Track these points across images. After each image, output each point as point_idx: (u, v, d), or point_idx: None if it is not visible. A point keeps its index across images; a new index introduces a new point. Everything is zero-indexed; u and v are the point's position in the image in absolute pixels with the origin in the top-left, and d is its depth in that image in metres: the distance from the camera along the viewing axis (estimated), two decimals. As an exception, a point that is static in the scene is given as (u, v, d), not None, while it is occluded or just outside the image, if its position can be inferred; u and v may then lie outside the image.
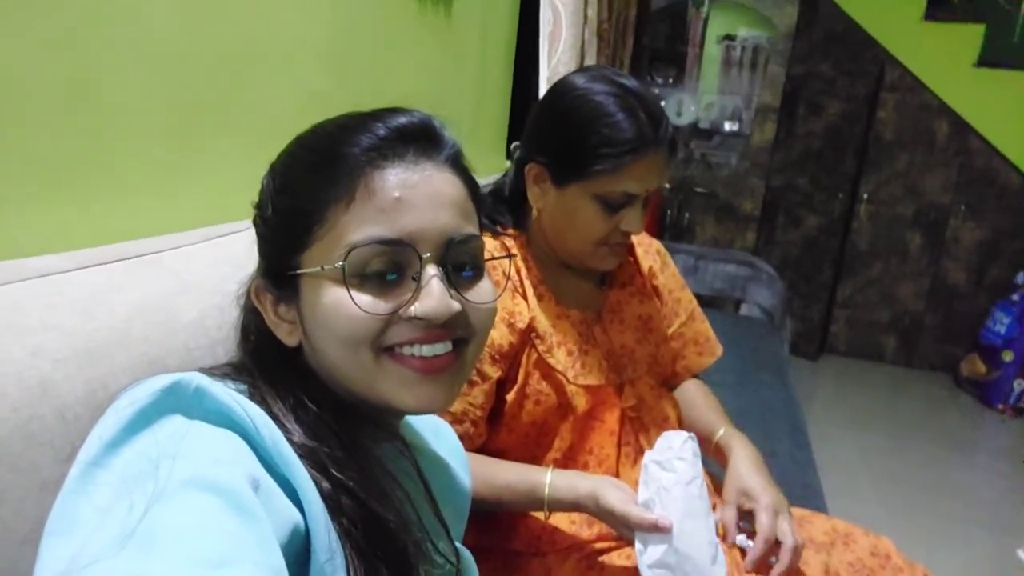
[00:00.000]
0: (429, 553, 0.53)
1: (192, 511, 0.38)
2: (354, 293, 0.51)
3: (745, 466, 0.96)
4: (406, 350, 0.53)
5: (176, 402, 0.45)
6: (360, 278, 0.51)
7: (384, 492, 0.52)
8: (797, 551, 0.85)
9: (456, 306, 0.52)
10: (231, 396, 0.46)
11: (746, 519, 0.93)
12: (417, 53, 1.53)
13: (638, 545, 0.79)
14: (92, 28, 0.75)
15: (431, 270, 0.52)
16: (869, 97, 3.64)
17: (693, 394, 1.15)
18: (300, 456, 0.47)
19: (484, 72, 1.94)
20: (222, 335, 0.71)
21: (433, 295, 0.51)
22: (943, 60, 3.53)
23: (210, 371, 0.52)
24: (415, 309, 0.51)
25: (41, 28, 0.70)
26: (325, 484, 0.48)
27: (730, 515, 0.92)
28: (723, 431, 1.04)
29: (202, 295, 0.72)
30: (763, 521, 0.87)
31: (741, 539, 0.92)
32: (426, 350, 0.53)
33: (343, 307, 0.51)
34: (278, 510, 0.43)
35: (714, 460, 1.03)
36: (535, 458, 0.96)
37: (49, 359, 0.54)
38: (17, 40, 0.67)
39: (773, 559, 0.86)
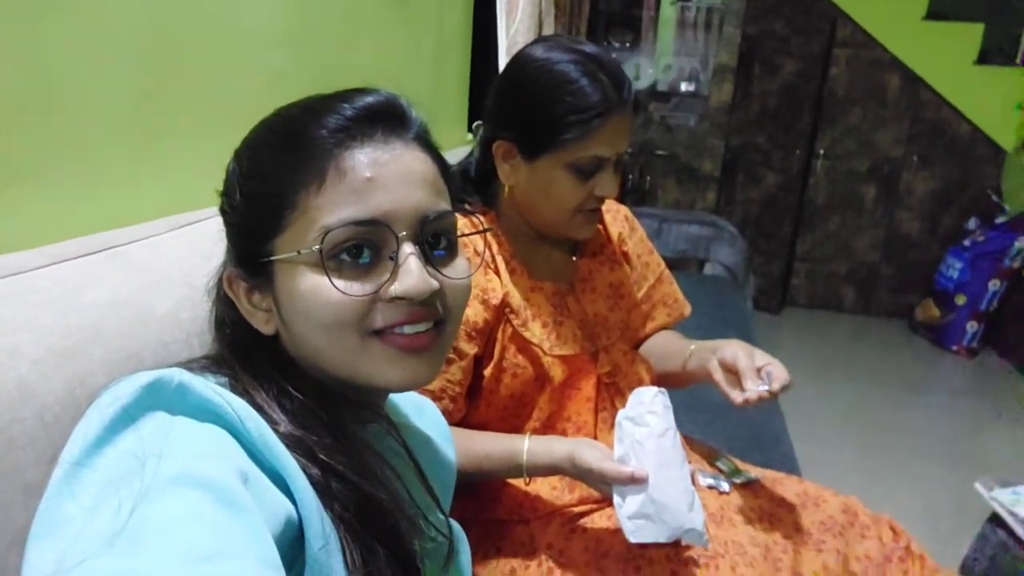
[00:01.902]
0: (423, 528, 0.55)
1: (180, 507, 0.38)
2: (333, 277, 0.51)
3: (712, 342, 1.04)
4: (388, 330, 0.53)
5: (158, 399, 0.44)
6: (337, 260, 0.51)
7: (374, 473, 0.53)
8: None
9: (435, 283, 0.53)
10: (214, 390, 0.46)
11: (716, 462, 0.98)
12: (375, 30, 1.50)
13: (616, 498, 0.81)
14: (52, 18, 0.73)
15: (408, 248, 0.52)
16: (822, 54, 3.68)
17: (661, 338, 1.18)
18: (287, 445, 0.48)
19: (442, 46, 1.91)
20: (196, 327, 0.71)
21: (412, 273, 0.51)
22: (892, 14, 3.58)
23: (188, 365, 0.52)
24: (395, 288, 0.52)
25: (0, 21, 0.67)
26: (314, 471, 0.48)
27: (715, 368, 0.98)
28: (695, 345, 1.08)
29: (173, 287, 0.71)
30: (741, 358, 0.95)
31: (711, 480, 0.99)
32: (408, 328, 0.53)
33: (323, 292, 0.51)
34: (268, 501, 0.43)
35: (697, 379, 1.07)
36: (515, 429, 0.98)
37: (26, 360, 0.53)
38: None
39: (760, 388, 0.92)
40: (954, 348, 3.53)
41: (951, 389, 3.29)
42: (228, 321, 0.58)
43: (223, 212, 0.58)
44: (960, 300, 3.48)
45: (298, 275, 0.52)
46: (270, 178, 0.53)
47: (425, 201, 0.54)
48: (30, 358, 0.54)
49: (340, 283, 0.51)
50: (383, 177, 0.52)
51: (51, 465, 0.41)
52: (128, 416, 0.43)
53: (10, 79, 0.70)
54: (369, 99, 0.54)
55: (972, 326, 3.48)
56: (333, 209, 0.51)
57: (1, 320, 0.54)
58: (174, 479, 0.39)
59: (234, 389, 0.51)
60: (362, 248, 0.52)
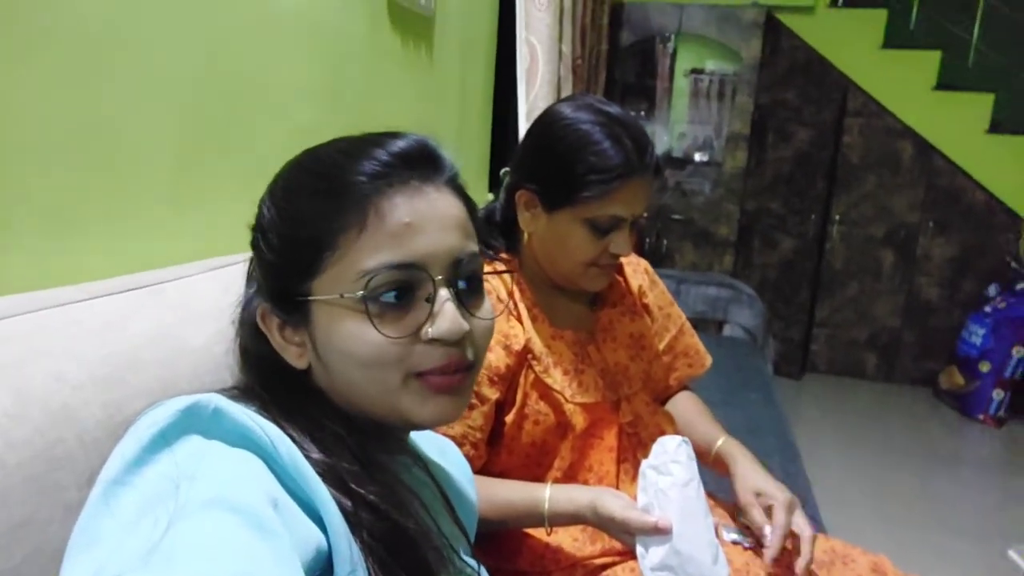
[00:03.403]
0: (451, 560, 0.54)
1: (212, 530, 0.39)
2: (375, 321, 0.52)
3: (752, 468, 0.99)
4: (427, 372, 0.55)
5: (195, 423, 0.45)
6: (377, 303, 0.53)
7: (403, 504, 0.53)
8: (814, 540, 0.89)
9: (467, 325, 0.55)
10: (249, 416, 0.47)
11: (740, 517, 0.96)
12: (401, 89, 1.57)
13: (639, 549, 0.80)
14: (101, 67, 0.78)
15: (443, 292, 0.54)
16: (834, 123, 3.77)
17: (686, 407, 1.17)
18: (319, 473, 0.48)
19: (465, 107, 1.99)
20: (228, 360, 0.72)
21: (447, 316, 0.54)
22: (903, 85, 3.67)
23: (220, 393, 0.53)
24: (433, 331, 0.54)
25: (52, 66, 0.72)
26: (345, 501, 0.49)
27: (757, 514, 0.93)
28: (722, 440, 1.06)
29: (207, 323, 0.73)
30: (780, 517, 0.89)
31: (735, 536, 0.95)
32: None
33: (365, 334, 0.53)
34: (297, 527, 0.44)
35: (712, 470, 1.05)
36: (536, 478, 0.97)
37: (69, 385, 0.55)
38: (28, 77, 0.69)
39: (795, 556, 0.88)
40: (980, 417, 3.45)
41: (979, 459, 3.20)
42: (256, 353, 0.59)
43: (256, 249, 0.59)
44: (984, 367, 3.43)
45: (339, 316, 0.53)
46: (309, 222, 0.54)
47: (458, 244, 0.56)
48: (72, 383, 0.56)
49: (381, 326, 0.52)
50: (420, 222, 0.54)
51: (90, 486, 0.42)
52: (165, 439, 0.44)
53: (64, 126, 0.74)
54: (403, 144, 0.56)
55: (998, 394, 3.41)
56: (373, 253, 0.52)
57: (48, 346, 0.57)
58: (207, 503, 0.40)
59: (265, 417, 0.52)
60: (400, 291, 0.53)
